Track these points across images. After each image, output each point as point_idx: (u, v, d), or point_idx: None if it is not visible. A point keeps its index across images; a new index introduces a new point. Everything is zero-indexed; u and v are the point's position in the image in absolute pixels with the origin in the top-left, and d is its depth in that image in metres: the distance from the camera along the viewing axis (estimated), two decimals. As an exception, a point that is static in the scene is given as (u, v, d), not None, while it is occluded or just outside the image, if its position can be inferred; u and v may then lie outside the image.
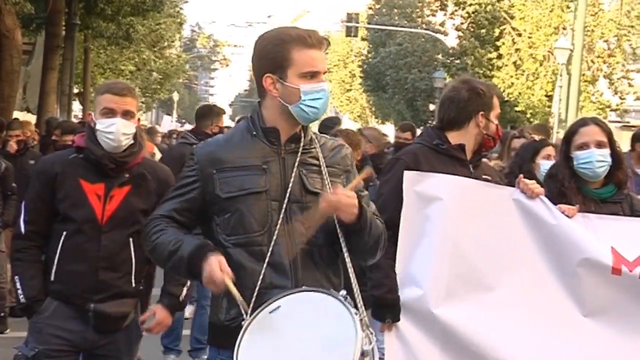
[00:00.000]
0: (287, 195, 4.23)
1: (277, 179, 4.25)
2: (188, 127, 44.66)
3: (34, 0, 25.21)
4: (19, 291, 5.58)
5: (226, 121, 15.50)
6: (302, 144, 4.32)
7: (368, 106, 67.78)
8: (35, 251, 5.62)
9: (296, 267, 4.20)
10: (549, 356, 5.58)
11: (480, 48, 40.96)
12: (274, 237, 4.19)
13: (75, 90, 35.09)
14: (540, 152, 7.91)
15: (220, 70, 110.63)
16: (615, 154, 5.95)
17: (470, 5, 41.68)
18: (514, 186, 5.76)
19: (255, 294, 4.11)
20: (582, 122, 6.11)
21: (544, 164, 7.59)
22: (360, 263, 4.45)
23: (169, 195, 4.43)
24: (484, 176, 5.90)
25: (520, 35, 38.01)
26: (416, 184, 5.56)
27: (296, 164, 4.27)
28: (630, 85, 37.08)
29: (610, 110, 36.91)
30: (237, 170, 4.25)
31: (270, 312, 3.99)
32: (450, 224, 5.56)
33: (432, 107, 53.12)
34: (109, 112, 5.49)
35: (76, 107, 40.77)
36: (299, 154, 4.30)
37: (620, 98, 37.14)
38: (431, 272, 5.54)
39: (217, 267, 4.02)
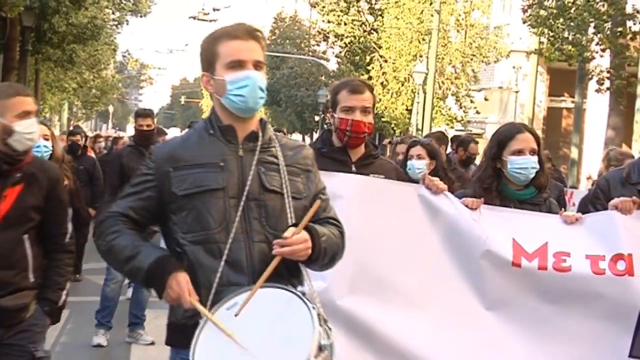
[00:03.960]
0: (245, 193, 3.47)
1: (235, 177, 3.49)
2: (122, 133, 44.38)
3: (-8, 30, 24.93)
4: None
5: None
6: (260, 143, 3.57)
7: (266, 117, 67.66)
8: None
9: (253, 264, 3.44)
10: (452, 349, 4.75)
11: (354, 71, 41.02)
12: (232, 235, 3.43)
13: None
14: (408, 152, 7.31)
15: (146, 87, 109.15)
16: (540, 159, 5.07)
17: (347, 37, 41.94)
18: None
19: (212, 291, 3.39)
20: (518, 129, 5.15)
21: (414, 164, 7.07)
22: None
23: (125, 192, 3.62)
24: (372, 175, 5.09)
25: (386, 61, 38.28)
26: None
27: (254, 162, 3.52)
28: (471, 101, 37.60)
29: (457, 122, 37.42)
30: (194, 168, 3.49)
31: (227, 309, 3.28)
32: (352, 220, 4.51)
33: (317, 118, 53.49)
34: (28, 114, 4.59)
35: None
36: (257, 152, 3.55)
37: (464, 112, 37.66)
38: (335, 267, 4.68)
39: (186, 290, 3.33)
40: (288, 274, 3.47)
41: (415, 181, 5.39)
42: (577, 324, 4.79)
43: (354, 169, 5.10)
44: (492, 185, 5.06)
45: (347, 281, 4.69)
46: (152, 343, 9.18)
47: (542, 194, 5.14)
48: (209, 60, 3.57)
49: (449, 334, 4.75)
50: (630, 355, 4.72)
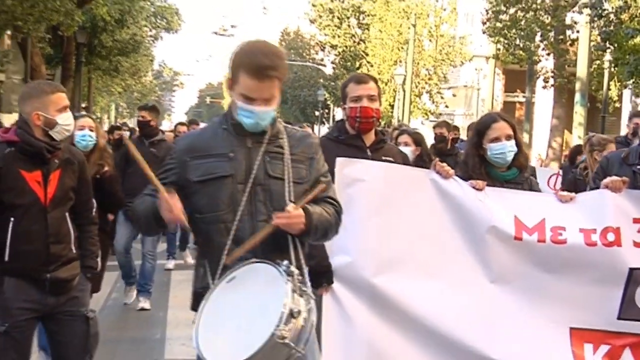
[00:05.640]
0: (251, 179, 3.29)
1: (243, 165, 3.30)
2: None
3: (53, 45, 25.19)
4: None
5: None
6: (267, 136, 3.36)
7: (275, 113, 67.73)
8: None
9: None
10: (461, 313, 4.45)
11: (346, 75, 40.82)
12: (238, 216, 3.26)
13: (83, 105, 34.11)
14: (397, 139, 7.05)
15: (178, 90, 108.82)
16: (517, 142, 4.72)
17: (340, 47, 41.98)
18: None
19: (221, 265, 3.24)
20: (493, 119, 4.79)
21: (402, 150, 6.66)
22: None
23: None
24: (383, 158, 4.78)
25: (372, 66, 38.15)
26: (345, 168, 4.45)
27: (261, 153, 3.32)
28: (442, 98, 37.60)
29: (430, 114, 37.41)
30: (207, 157, 3.32)
31: (227, 282, 3.16)
32: (374, 201, 4.44)
33: (317, 113, 53.49)
34: (66, 108, 4.34)
35: (83, 116, 39.94)
36: (264, 144, 3.34)
37: (436, 106, 37.65)
38: (359, 242, 4.40)
39: (165, 196, 3.17)
40: (285, 249, 3.30)
41: None
42: (571, 290, 4.46)
43: (368, 152, 4.79)
44: (480, 169, 4.70)
45: (369, 255, 4.41)
46: (143, 309, 8.85)
47: (523, 174, 4.78)
48: (233, 74, 3.32)
49: (458, 300, 4.46)
50: (618, 318, 4.44)
